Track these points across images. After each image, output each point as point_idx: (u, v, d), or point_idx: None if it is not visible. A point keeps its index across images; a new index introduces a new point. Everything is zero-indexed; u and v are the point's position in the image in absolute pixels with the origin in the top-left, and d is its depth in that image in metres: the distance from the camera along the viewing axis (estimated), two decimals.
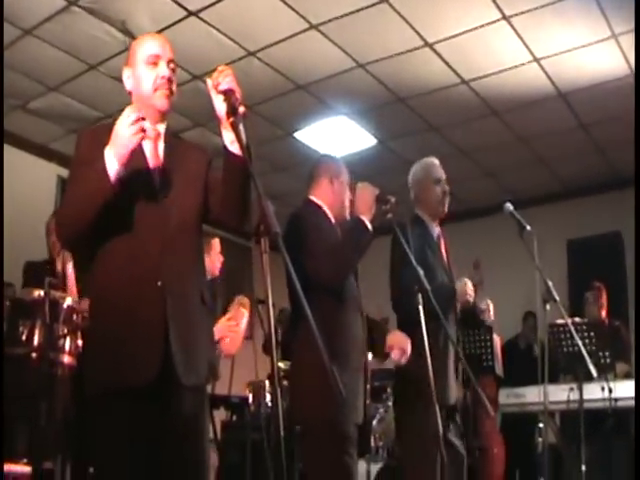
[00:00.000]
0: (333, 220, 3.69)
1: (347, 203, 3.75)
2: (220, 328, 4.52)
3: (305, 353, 3.23)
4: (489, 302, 4.16)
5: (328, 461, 3.28)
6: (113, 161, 2.41)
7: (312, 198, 3.73)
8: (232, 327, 4.71)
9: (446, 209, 4.20)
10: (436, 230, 4.19)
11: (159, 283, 2.48)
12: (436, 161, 4.33)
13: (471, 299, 4.01)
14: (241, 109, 2.42)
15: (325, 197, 3.71)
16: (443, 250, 4.21)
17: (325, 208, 3.69)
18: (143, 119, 2.42)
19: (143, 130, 2.42)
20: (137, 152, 2.51)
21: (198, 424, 2.54)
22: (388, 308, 4.02)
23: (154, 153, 2.65)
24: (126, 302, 2.46)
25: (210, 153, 2.85)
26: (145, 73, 2.64)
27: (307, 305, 2.15)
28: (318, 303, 2.98)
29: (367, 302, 3.74)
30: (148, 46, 2.69)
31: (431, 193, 4.17)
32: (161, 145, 2.68)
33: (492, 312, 4.18)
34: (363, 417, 3.51)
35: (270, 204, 2.23)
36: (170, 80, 2.65)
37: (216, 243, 5.37)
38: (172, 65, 2.69)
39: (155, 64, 2.65)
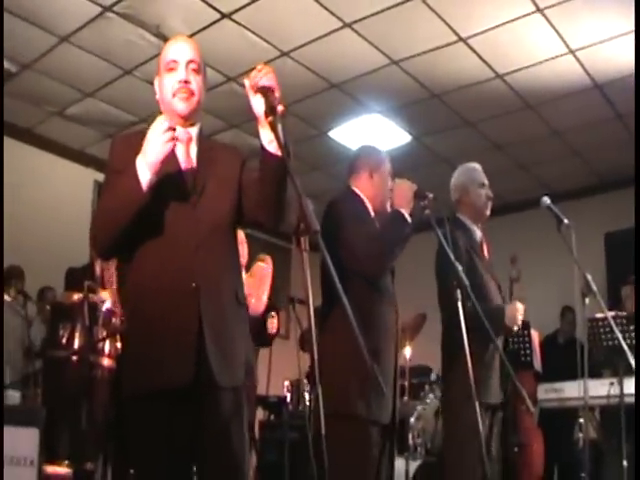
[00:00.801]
0: (372, 213, 3.67)
1: (388, 194, 3.67)
2: (246, 287, 4.48)
3: (338, 344, 3.19)
4: (518, 304, 4.11)
5: (342, 459, 3.15)
6: (145, 170, 2.42)
7: (353, 188, 3.71)
8: (255, 285, 4.61)
9: (489, 213, 4.23)
10: (478, 233, 4.20)
11: (193, 284, 2.48)
12: (478, 166, 4.34)
13: (518, 326, 4.00)
14: (280, 108, 2.41)
15: (365, 190, 3.69)
16: (486, 252, 4.21)
17: (365, 199, 3.67)
18: (174, 129, 2.44)
19: (174, 139, 2.43)
20: (169, 156, 2.51)
21: (235, 424, 2.53)
22: (425, 305, 4.00)
23: (186, 156, 2.65)
24: (161, 304, 2.47)
25: (245, 154, 2.85)
26: (165, 80, 2.65)
27: (344, 295, 2.13)
28: (353, 293, 2.94)
29: (404, 300, 3.73)
30: (167, 52, 2.69)
31: (476, 197, 4.19)
32: (193, 148, 2.68)
33: (520, 319, 4.11)
34: (391, 417, 3.44)
35: (310, 203, 2.23)
36: (187, 82, 2.62)
37: (239, 234, 5.28)
38: (193, 65, 2.65)
39: (173, 69, 2.64)
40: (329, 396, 3.25)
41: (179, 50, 2.67)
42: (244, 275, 4.80)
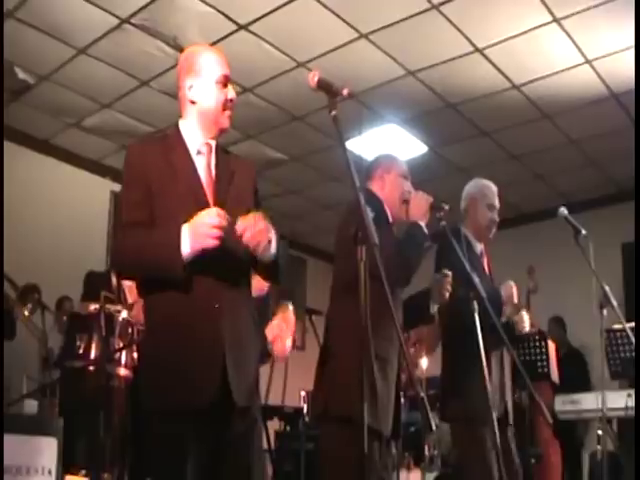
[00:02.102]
0: (390, 217, 3.65)
1: (402, 196, 3.66)
2: (274, 328, 4.50)
3: (346, 351, 3.18)
4: (524, 313, 4.10)
5: (338, 463, 3.16)
6: (187, 248, 2.43)
7: (371, 188, 3.69)
8: (284, 328, 4.68)
9: (491, 236, 4.21)
10: (479, 247, 4.18)
11: (216, 305, 2.51)
12: (494, 187, 4.32)
13: (526, 329, 4.00)
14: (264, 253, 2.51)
15: (380, 191, 3.68)
16: (485, 267, 4.18)
17: (383, 201, 3.64)
18: (222, 227, 2.44)
19: (220, 238, 2.44)
20: (191, 169, 2.60)
21: (251, 443, 2.57)
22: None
23: (207, 170, 2.68)
24: (185, 322, 2.49)
25: (259, 164, 2.89)
26: (216, 92, 2.71)
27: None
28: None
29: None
30: (219, 64, 2.74)
31: (482, 216, 4.18)
32: (213, 160, 2.72)
33: (527, 323, 4.09)
34: (391, 431, 3.37)
35: (369, 211, 2.25)
36: (233, 101, 2.75)
37: None
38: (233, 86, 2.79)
39: (225, 85, 2.73)
40: (332, 400, 3.25)
41: (226, 66, 2.76)
42: (275, 320, 4.88)
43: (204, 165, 2.67)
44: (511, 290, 3.98)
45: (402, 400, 3.55)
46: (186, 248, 2.43)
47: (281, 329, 4.46)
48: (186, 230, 2.44)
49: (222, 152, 2.79)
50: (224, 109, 2.70)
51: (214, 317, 2.49)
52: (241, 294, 2.65)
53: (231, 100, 2.71)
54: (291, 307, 4.76)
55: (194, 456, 2.44)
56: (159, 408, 2.49)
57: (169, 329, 2.51)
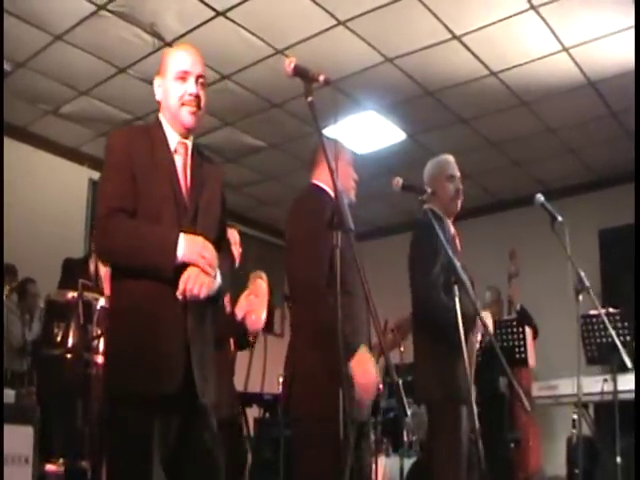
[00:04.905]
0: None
1: (352, 183, 3.63)
2: (243, 305, 4.46)
3: (316, 343, 3.17)
4: (487, 313, 4.12)
5: (306, 459, 3.19)
6: (180, 254, 2.50)
7: (316, 182, 3.60)
8: (254, 301, 4.64)
9: (459, 207, 4.17)
10: (451, 228, 4.16)
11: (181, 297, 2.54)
12: (451, 158, 4.28)
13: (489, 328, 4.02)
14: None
15: (328, 182, 3.47)
16: (459, 246, 4.18)
17: (329, 191, 3.50)
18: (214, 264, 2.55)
19: (208, 274, 2.52)
20: (171, 169, 2.64)
21: (214, 437, 2.60)
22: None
23: (184, 172, 2.70)
24: (151, 312, 2.52)
25: (238, 152, 2.92)
26: (174, 87, 2.70)
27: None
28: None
29: (393, 300, 3.71)
30: (179, 61, 2.74)
31: (444, 190, 4.13)
32: (189, 161, 2.73)
33: (489, 322, 4.07)
34: (370, 414, 3.40)
35: (346, 198, 2.25)
36: (198, 97, 2.71)
37: (233, 234, 5.21)
38: (202, 80, 2.74)
39: (184, 79, 2.70)
40: (307, 396, 3.23)
41: (191, 62, 2.74)
42: (244, 294, 4.84)
43: (181, 166, 2.70)
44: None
45: (380, 386, 3.57)
46: (180, 253, 2.50)
47: (250, 304, 4.43)
48: (183, 240, 2.51)
49: (196, 154, 2.80)
50: (182, 104, 2.68)
51: (179, 309, 2.53)
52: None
53: (190, 94, 2.68)
54: (264, 276, 4.71)
55: (157, 443, 2.45)
56: (123, 394, 2.50)
57: (135, 316, 2.53)
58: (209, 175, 2.78)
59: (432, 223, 3.48)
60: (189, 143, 2.75)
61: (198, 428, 2.56)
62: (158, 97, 2.76)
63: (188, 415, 2.53)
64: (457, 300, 3.40)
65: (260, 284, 4.74)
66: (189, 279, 2.48)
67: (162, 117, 2.76)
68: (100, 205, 2.65)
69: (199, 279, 2.49)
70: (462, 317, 3.40)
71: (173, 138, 2.72)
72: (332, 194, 3.50)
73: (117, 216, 2.56)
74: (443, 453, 3.77)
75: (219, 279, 2.58)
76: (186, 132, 2.74)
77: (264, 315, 4.70)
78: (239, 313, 4.23)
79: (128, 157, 2.60)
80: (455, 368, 3.59)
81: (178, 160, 2.69)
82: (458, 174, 4.19)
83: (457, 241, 4.16)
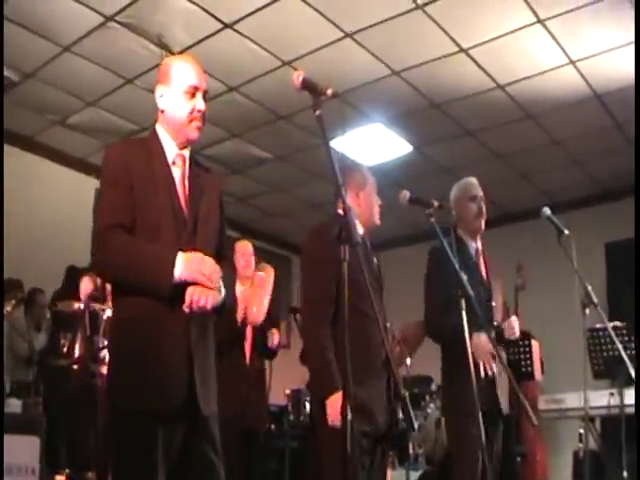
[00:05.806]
0: (362, 230, 3.65)
1: (377, 209, 3.73)
2: (244, 297, 4.44)
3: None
4: (514, 319, 4.16)
5: (323, 467, 3.28)
6: (178, 273, 2.48)
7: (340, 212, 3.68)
8: (254, 294, 4.63)
9: (482, 226, 4.25)
10: (473, 246, 4.21)
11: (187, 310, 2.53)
12: (474, 180, 4.36)
13: (516, 335, 4.12)
14: None
15: (355, 210, 3.60)
16: (482, 266, 4.22)
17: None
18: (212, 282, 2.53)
19: (209, 285, 2.52)
20: (169, 181, 2.64)
21: (216, 447, 2.59)
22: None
23: (182, 184, 2.70)
24: (153, 325, 2.51)
25: (245, 163, 2.92)
26: (182, 102, 2.70)
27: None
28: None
29: (403, 311, 3.71)
30: (188, 75, 2.72)
31: (467, 210, 4.21)
32: (187, 172, 2.74)
33: (517, 329, 4.15)
34: (387, 427, 3.43)
35: (353, 212, 2.25)
36: (204, 114, 2.72)
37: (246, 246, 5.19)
38: (205, 95, 2.75)
39: (193, 95, 2.70)
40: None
41: (200, 77, 2.75)
42: (245, 286, 4.81)
43: (179, 177, 2.70)
44: (513, 324, 4.13)
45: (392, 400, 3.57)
46: (177, 273, 2.48)
47: (247, 297, 4.42)
48: (180, 259, 2.49)
49: (194, 164, 2.80)
50: (190, 120, 2.69)
51: (183, 324, 2.53)
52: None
53: (199, 111, 2.69)
54: (268, 267, 4.71)
55: (157, 459, 2.43)
56: (127, 409, 2.49)
57: (137, 329, 2.53)
58: (207, 184, 2.78)
59: (444, 250, 3.47)
60: (187, 154, 2.76)
61: (200, 439, 2.55)
62: (161, 106, 2.74)
63: (191, 426, 2.53)
64: (464, 314, 3.39)
65: (259, 275, 4.73)
66: (195, 292, 2.48)
67: (160, 128, 2.75)
68: (98, 220, 2.65)
69: (204, 292, 2.49)
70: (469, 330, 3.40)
71: (171, 150, 2.71)
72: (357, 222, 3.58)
73: (115, 232, 2.55)
74: (462, 463, 3.80)
75: (223, 291, 2.58)
76: (187, 144, 2.75)
77: (265, 306, 4.69)
78: (240, 306, 4.23)
79: (125, 170, 2.59)
80: (462, 381, 3.58)
81: (176, 172, 2.69)
82: (481, 194, 4.28)
83: (481, 259, 4.22)
